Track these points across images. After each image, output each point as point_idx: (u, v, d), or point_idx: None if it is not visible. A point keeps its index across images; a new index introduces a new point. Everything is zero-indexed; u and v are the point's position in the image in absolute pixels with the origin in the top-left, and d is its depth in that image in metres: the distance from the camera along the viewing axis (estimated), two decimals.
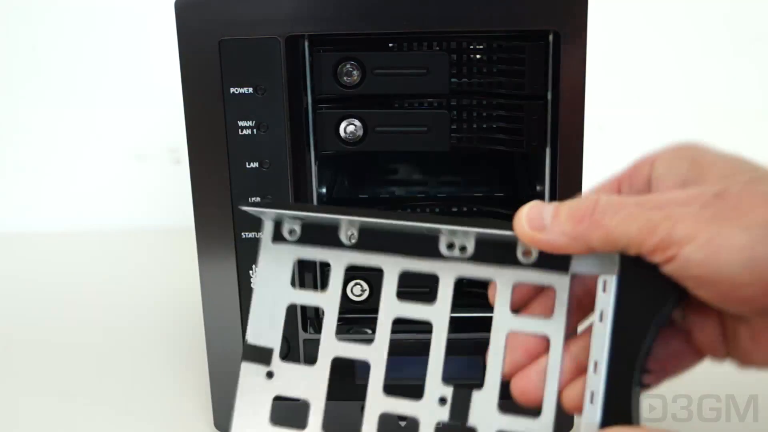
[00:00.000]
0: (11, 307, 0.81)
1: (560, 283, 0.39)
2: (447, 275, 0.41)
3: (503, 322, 0.40)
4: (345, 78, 0.50)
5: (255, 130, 0.50)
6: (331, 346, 0.41)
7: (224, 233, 0.52)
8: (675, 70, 0.99)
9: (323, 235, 0.42)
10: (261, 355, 0.42)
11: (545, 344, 0.39)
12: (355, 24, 0.48)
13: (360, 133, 0.50)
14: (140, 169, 1.01)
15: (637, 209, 0.34)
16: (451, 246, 0.41)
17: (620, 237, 0.34)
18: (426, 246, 0.41)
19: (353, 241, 0.42)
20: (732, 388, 0.51)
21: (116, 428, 0.60)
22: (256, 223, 0.52)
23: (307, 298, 0.44)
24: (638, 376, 0.36)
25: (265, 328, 0.42)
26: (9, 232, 1.01)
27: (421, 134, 0.51)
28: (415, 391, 0.40)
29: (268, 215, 0.42)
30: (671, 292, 0.35)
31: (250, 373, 0.42)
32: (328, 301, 0.42)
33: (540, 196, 0.52)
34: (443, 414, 0.40)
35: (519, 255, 0.40)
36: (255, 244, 0.52)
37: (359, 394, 0.42)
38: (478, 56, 0.51)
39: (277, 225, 0.43)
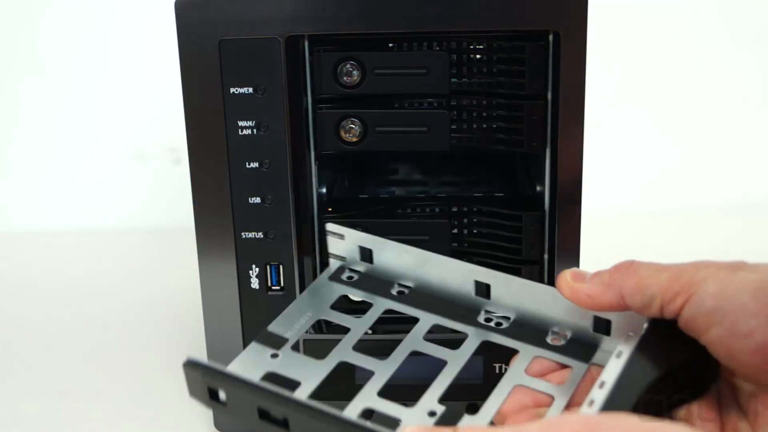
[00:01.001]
0: (11, 306, 0.81)
1: (578, 366, 0.42)
2: (475, 337, 0.44)
3: (515, 376, 0.42)
4: (345, 78, 0.50)
5: (255, 130, 0.50)
6: (344, 352, 0.43)
7: (224, 233, 0.52)
8: (675, 69, 0.99)
9: (375, 283, 0.47)
10: (274, 341, 0.44)
11: (548, 400, 0.41)
12: (355, 24, 0.48)
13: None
14: (140, 169, 1.01)
15: (667, 265, 0.39)
16: (489, 319, 0.45)
17: (651, 284, 0.38)
18: (465, 313, 0.45)
19: (403, 293, 0.47)
20: None
21: (116, 428, 0.60)
22: (255, 223, 0.52)
23: (340, 319, 0.46)
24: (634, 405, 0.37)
25: (289, 326, 0.45)
26: (9, 232, 1.01)
27: (421, 134, 0.51)
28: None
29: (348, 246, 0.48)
30: (689, 351, 0.38)
31: (256, 350, 0.43)
32: (356, 326, 0.45)
33: (540, 196, 0.52)
34: (427, 424, 0.40)
35: (549, 339, 0.44)
36: (255, 243, 0.52)
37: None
38: (478, 56, 0.51)
39: (341, 267, 0.48)
